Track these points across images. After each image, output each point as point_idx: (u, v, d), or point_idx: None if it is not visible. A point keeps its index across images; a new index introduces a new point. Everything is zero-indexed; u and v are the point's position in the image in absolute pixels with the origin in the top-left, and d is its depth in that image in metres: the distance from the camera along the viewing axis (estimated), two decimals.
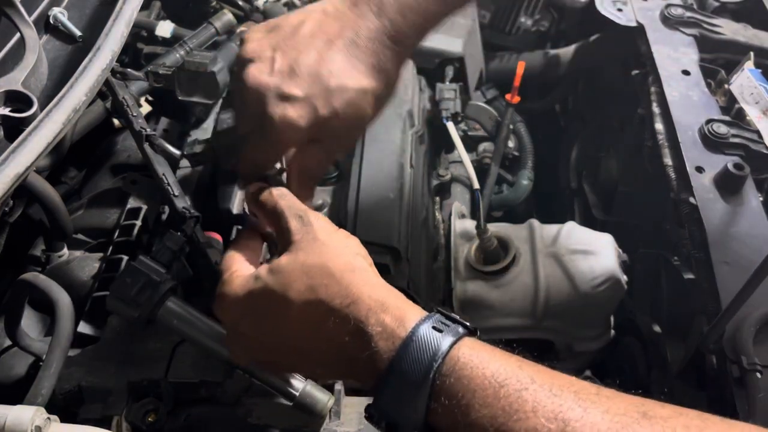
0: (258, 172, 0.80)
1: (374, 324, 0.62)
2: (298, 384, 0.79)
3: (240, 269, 0.74)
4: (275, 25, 0.81)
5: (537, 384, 0.57)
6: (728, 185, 1.05)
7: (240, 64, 0.78)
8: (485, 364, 0.59)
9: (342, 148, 0.83)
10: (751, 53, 1.24)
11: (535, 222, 1.22)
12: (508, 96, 1.52)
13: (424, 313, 0.64)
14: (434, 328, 0.61)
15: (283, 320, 0.67)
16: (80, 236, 1.09)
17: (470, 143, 1.55)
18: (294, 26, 0.78)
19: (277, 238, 0.76)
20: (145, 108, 1.17)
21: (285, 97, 0.74)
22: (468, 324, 0.63)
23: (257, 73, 0.76)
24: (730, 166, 1.05)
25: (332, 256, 0.67)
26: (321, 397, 0.80)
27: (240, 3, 1.43)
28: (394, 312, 0.63)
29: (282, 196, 0.75)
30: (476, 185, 1.21)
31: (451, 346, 0.60)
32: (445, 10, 0.80)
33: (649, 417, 0.54)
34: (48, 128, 0.67)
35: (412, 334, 0.61)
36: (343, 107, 0.75)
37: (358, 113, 0.77)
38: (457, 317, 0.64)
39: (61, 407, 0.83)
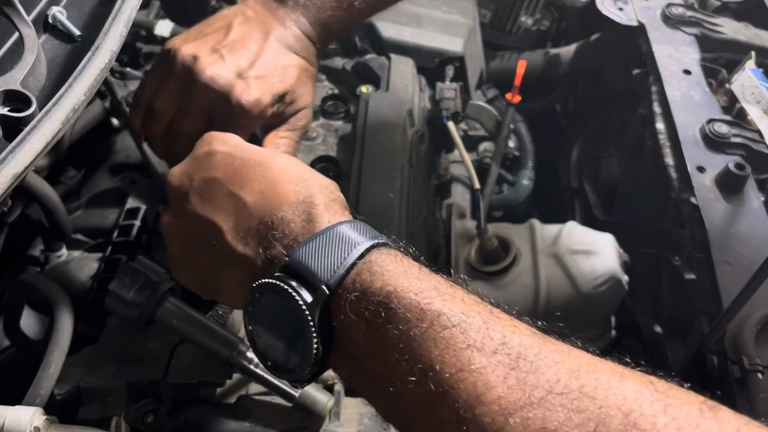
0: None
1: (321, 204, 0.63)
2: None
3: None
4: (199, 32, 0.88)
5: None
6: (729, 185, 1.05)
7: (183, 64, 0.83)
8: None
9: (302, 129, 0.91)
10: (753, 53, 1.23)
11: (535, 222, 1.22)
12: (508, 95, 1.52)
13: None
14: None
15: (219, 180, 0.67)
16: (79, 236, 1.09)
17: (470, 143, 1.54)
18: (222, 29, 0.87)
19: None
20: None
21: (246, 79, 0.82)
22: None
23: (210, 66, 0.82)
24: (731, 166, 1.05)
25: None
26: (321, 397, 0.80)
27: (239, 2, 1.42)
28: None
29: None
30: (476, 185, 1.21)
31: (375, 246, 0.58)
32: (345, 28, 0.95)
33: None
34: (47, 128, 0.67)
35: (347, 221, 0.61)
36: (294, 81, 0.86)
37: (306, 88, 0.89)
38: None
39: (60, 408, 0.83)
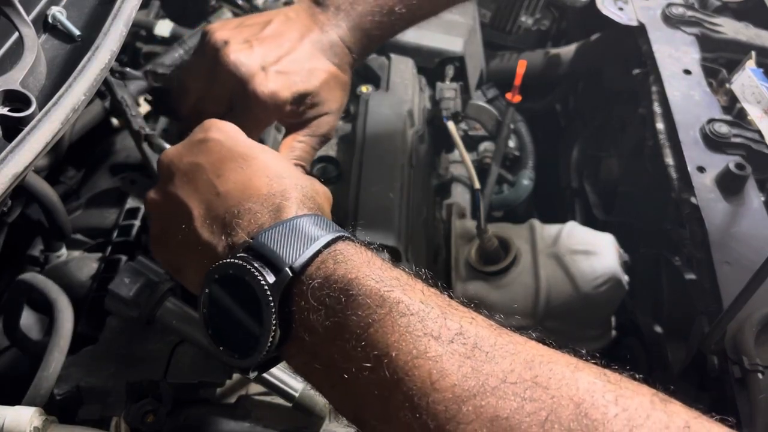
0: None
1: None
2: (298, 385, 0.79)
3: None
4: (240, 23, 0.89)
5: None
6: (729, 185, 1.05)
7: (214, 46, 0.84)
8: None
9: (319, 131, 0.90)
10: (753, 52, 1.23)
11: (535, 222, 1.22)
12: (508, 95, 1.52)
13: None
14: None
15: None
16: (79, 236, 1.09)
17: (470, 143, 1.54)
18: (261, 24, 0.88)
19: None
20: (144, 107, 1.17)
21: (269, 72, 0.83)
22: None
23: (237, 52, 0.83)
24: (731, 166, 1.05)
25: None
26: (321, 398, 0.80)
27: (239, 2, 1.42)
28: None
29: None
30: (477, 185, 1.21)
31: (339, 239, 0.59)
32: (385, 35, 0.93)
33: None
34: (46, 128, 0.67)
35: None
36: (320, 85, 0.86)
37: (332, 93, 0.88)
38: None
39: (60, 408, 0.83)
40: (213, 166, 0.67)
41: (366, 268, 0.55)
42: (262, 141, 1.05)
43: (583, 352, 0.53)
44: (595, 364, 0.52)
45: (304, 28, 0.88)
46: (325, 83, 0.87)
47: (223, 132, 0.71)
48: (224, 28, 0.87)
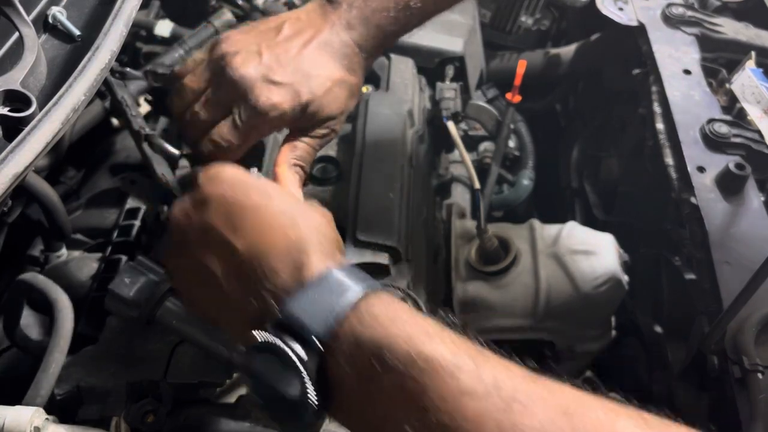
0: (220, 153, 0.84)
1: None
2: None
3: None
4: (253, 27, 0.89)
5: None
6: (729, 185, 1.05)
7: (222, 56, 0.83)
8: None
9: (324, 137, 0.89)
10: (753, 53, 1.23)
11: (535, 222, 1.22)
12: (508, 95, 1.52)
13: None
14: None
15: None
16: (79, 236, 1.09)
17: (470, 143, 1.54)
18: (272, 28, 0.87)
19: None
20: (144, 107, 1.17)
21: (271, 83, 0.82)
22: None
23: (245, 64, 0.82)
24: (731, 166, 1.05)
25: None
26: None
27: (239, 2, 1.42)
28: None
29: None
30: (477, 185, 1.21)
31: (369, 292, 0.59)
32: (401, 30, 0.90)
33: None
34: (47, 128, 0.67)
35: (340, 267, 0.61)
36: (322, 93, 0.84)
37: (335, 100, 0.86)
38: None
39: (60, 408, 0.83)
40: (225, 224, 0.66)
41: (393, 327, 0.55)
42: (261, 143, 1.04)
43: (616, 395, 0.53)
44: (631, 406, 0.52)
45: (314, 31, 0.86)
46: (329, 90, 0.85)
47: (228, 183, 0.69)
48: (236, 37, 0.86)
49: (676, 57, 1.27)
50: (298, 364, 0.55)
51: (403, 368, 0.52)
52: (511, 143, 1.59)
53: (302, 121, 0.86)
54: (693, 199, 1.04)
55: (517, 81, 1.47)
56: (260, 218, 0.65)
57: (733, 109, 1.18)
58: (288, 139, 0.89)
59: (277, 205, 0.67)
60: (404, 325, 0.55)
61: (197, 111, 0.86)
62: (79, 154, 1.16)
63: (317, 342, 0.56)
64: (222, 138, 0.83)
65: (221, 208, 0.67)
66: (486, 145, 1.56)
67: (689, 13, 1.35)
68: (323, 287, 0.58)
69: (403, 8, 0.87)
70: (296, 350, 0.56)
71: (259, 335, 0.58)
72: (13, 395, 0.77)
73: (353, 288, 0.58)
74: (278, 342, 0.56)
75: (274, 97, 0.82)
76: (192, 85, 0.87)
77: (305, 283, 0.59)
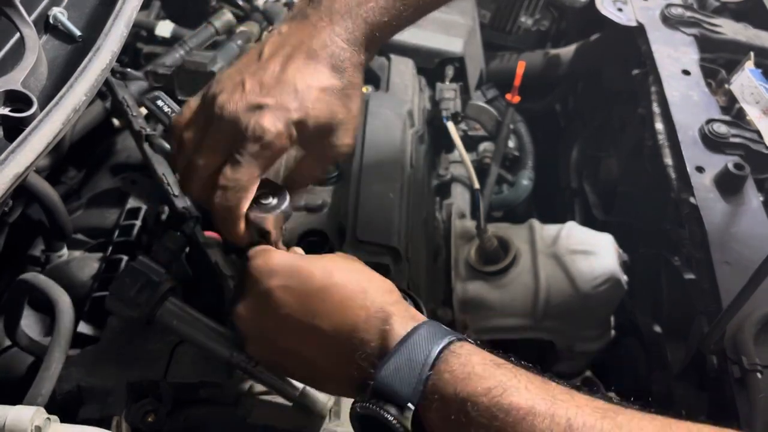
0: (241, 196, 0.78)
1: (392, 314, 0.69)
2: (298, 384, 0.79)
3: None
4: (238, 60, 0.85)
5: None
6: (728, 185, 1.05)
7: (210, 99, 0.79)
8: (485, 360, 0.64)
9: (330, 153, 0.83)
10: (752, 53, 1.24)
11: (535, 222, 1.22)
12: (508, 96, 1.52)
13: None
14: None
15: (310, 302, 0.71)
16: (80, 236, 1.09)
17: (470, 143, 1.55)
18: (256, 54, 0.82)
19: None
20: (145, 108, 1.17)
21: (256, 108, 0.76)
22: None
23: (228, 99, 0.77)
24: (730, 166, 1.05)
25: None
26: (320, 397, 0.80)
27: (240, 3, 1.43)
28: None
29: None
30: (476, 185, 1.21)
31: (451, 343, 0.65)
32: (394, 21, 0.84)
33: None
34: (47, 128, 0.67)
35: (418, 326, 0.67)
36: (313, 105, 0.78)
37: (328, 110, 0.80)
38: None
39: (61, 407, 0.83)
40: (300, 312, 0.70)
41: (472, 382, 0.61)
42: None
43: (684, 413, 0.59)
44: (706, 423, 0.57)
45: (295, 41, 0.81)
46: (318, 99, 0.79)
47: (284, 273, 0.72)
48: (222, 76, 0.82)
49: (675, 57, 1.27)
50: (397, 425, 0.63)
51: (486, 420, 0.59)
52: (511, 143, 1.60)
53: (307, 139, 0.80)
54: (692, 199, 1.04)
55: (517, 81, 1.47)
56: (334, 297, 0.70)
57: (732, 110, 1.18)
58: (300, 164, 0.84)
59: (342, 280, 0.71)
60: (480, 378, 0.61)
61: (196, 161, 0.79)
62: (79, 154, 1.16)
63: (410, 405, 0.62)
64: (228, 180, 0.77)
65: (292, 299, 0.71)
66: (486, 146, 1.57)
67: (688, 13, 1.35)
68: (407, 352, 0.65)
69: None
70: (394, 414, 0.63)
71: (359, 406, 0.66)
72: (14, 395, 0.77)
73: (432, 348, 0.64)
74: (379, 410, 0.64)
75: (264, 122, 0.76)
76: (189, 135, 0.82)
77: (390, 348, 0.66)
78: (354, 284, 0.71)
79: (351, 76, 0.81)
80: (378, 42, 0.84)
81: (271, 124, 0.76)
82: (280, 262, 0.73)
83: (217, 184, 0.78)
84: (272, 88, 0.78)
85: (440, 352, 0.64)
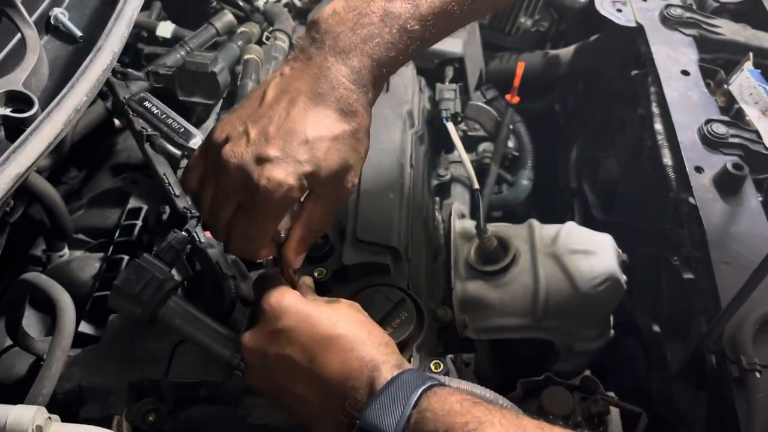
0: (255, 248, 0.79)
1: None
2: None
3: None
4: (240, 104, 0.81)
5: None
6: (727, 185, 1.05)
7: (215, 147, 0.76)
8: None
9: (341, 196, 0.81)
10: (750, 53, 1.24)
11: (534, 222, 1.22)
12: (507, 96, 1.53)
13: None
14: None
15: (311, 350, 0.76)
16: (81, 236, 1.09)
17: (470, 143, 1.55)
18: (257, 98, 0.78)
19: None
20: None
21: (264, 160, 0.73)
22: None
23: (233, 149, 0.74)
24: (729, 166, 1.05)
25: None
26: None
27: (240, 3, 1.43)
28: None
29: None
30: (476, 185, 1.21)
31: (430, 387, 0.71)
32: (401, 55, 0.79)
33: None
34: (49, 128, 0.67)
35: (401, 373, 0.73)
36: (325, 156, 0.75)
37: (342, 159, 0.76)
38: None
39: (62, 407, 0.83)
40: (304, 356, 0.75)
41: (450, 418, 0.66)
42: None
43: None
44: None
45: (300, 84, 0.76)
46: (331, 149, 0.75)
47: (294, 317, 0.77)
48: (224, 121, 0.79)
49: (674, 58, 1.28)
50: None
51: None
52: (511, 144, 1.60)
53: (317, 188, 0.78)
54: (691, 199, 1.04)
55: (516, 82, 1.47)
56: (334, 347, 0.75)
57: (731, 110, 1.19)
58: (307, 207, 0.80)
59: (344, 331, 0.76)
60: (457, 415, 0.67)
61: (215, 212, 0.78)
62: (81, 155, 1.16)
63: None
64: (241, 235, 0.77)
65: (297, 342, 0.76)
66: (485, 146, 1.57)
67: (687, 14, 1.35)
68: (392, 394, 0.70)
69: (399, 32, 0.77)
70: None
71: None
72: (15, 394, 0.77)
73: (415, 390, 0.69)
74: None
75: (277, 175, 0.73)
76: (200, 188, 0.80)
77: (376, 391, 0.71)
78: (354, 336, 0.75)
79: (360, 119, 0.77)
80: (385, 78, 0.81)
81: (282, 178, 0.73)
82: (293, 306, 0.78)
83: (232, 236, 0.78)
84: (278, 137, 0.74)
85: (422, 393, 0.69)
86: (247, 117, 0.77)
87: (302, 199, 0.79)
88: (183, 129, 0.93)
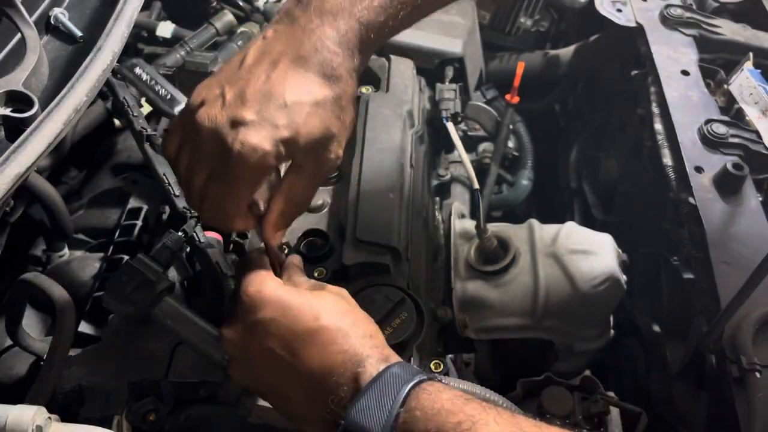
0: (228, 218, 0.75)
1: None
2: None
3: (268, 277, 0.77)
4: (221, 68, 0.78)
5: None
6: (727, 185, 1.05)
7: (190, 110, 0.73)
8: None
9: (324, 168, 0.76)
10: (750, 53, 1.24)
11: (534, 222, 1.22)
12: (507, 96, 1.53)
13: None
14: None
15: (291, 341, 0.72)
16: (81, 236, 1.09)
17: (470, 143, 1.55)
18: (238, 60, 0.75)
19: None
20: (146, 108, 1.17)
21: (239, 124, 0.69)
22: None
23: (208, 112, 0.71)
24: (729, 166, 1.05)
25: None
26: None
27: (240, 3, 1.43)
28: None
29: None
30: (476, 185, 1.21)
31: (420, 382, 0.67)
32: (391, 21, 0.76)
33: None
34: (49, 128, 0.67)
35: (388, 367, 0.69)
36: (305, 122, 0.71)
37: (324, 126, 0.72)
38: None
39: (62, 407, 0.83)
40: (285, 349, 0.71)
41: (441, 417, 0.63)
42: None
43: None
44: None
45: (282, 46, 0.73)
46: (311, 115, 0.71)
47: (274, 308, 0.72)
48: (201, 85, 0.75)
49: (674, 58, 1.28)
50: None
51: None
52: (510, 144, 1.60)
53: (297, 157, 0.74)
54: (691, 199, 1.05)
55: (516, 82, 1.47)
56: (316, 340, 0.70)
57: (731, 110, 1.19)
58: (287, 179, 0.76)
59: (327, 322, 0.71)
60: (448, 413, 0.63)
61: (189, 178, 0.75)
62: (81, 155, 1.16)
63: None
64: (215, 203, 0.74)
65: (278, 335, 0.71)
66: (485, 146, 1.57)
67: (687, 14, 1.35)
68: (377, 391, 0.66)
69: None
70: None
71: None
72: (15, 394, 0.77)
73: (403, 387, 0.65)
74: None
75: (251, 139, 0.69)
76: (177, 152, 0.76)
77: (362, 388, 0.67)
78: (337, 328, 0.71)
79: (344, 84, 0.73)
80: (373, 44, 0.77)
81: (257, 142, 0.69)
82: (272, 296, 0.73)
83: (204, 204, 0.74)
84: (256, 100, 0.70)
85: (410, 389, 0.65)
86: (225, 80, 0.73)
87: (284, 172, 0.76)
88: (169, 96, 0.91)
